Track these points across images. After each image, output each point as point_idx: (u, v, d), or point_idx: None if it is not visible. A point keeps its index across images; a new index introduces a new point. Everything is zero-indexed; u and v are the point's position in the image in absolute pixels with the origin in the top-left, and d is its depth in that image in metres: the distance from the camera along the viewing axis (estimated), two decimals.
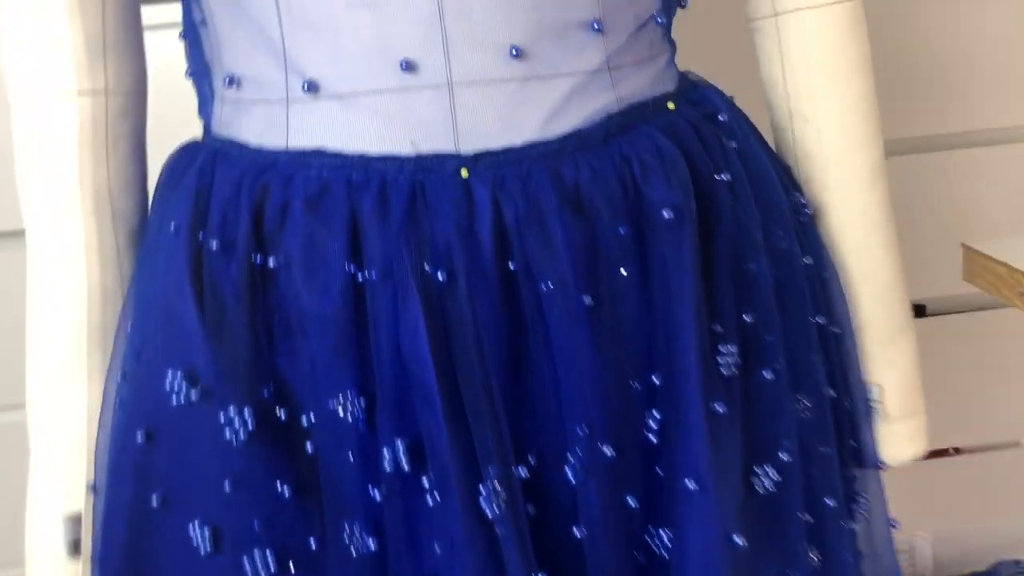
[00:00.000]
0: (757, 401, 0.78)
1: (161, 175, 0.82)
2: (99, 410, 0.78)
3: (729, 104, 0.84)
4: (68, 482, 0.79)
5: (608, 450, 0.71)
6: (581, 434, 0.71)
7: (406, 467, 0.70)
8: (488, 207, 0.71)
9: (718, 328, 0.75)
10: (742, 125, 0.83)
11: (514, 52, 0.71)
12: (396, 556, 0.71)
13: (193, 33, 0.81)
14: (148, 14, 0.84)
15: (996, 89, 1.48)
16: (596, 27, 0.73)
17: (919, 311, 1.48)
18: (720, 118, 0.81)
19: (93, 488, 0.77)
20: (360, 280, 0.71)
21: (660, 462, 0.74)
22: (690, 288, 0.73)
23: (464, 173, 0.71)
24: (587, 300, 0.71)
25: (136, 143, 0.83)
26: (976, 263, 1.06)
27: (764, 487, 0.77)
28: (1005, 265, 1.02)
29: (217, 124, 0.79)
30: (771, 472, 0.77)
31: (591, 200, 0.72)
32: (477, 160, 0.71)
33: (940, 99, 1.48)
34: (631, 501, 0.73)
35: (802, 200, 0.86)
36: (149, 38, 0.84)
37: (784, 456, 0.78)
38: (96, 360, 0.79)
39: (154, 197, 0.82)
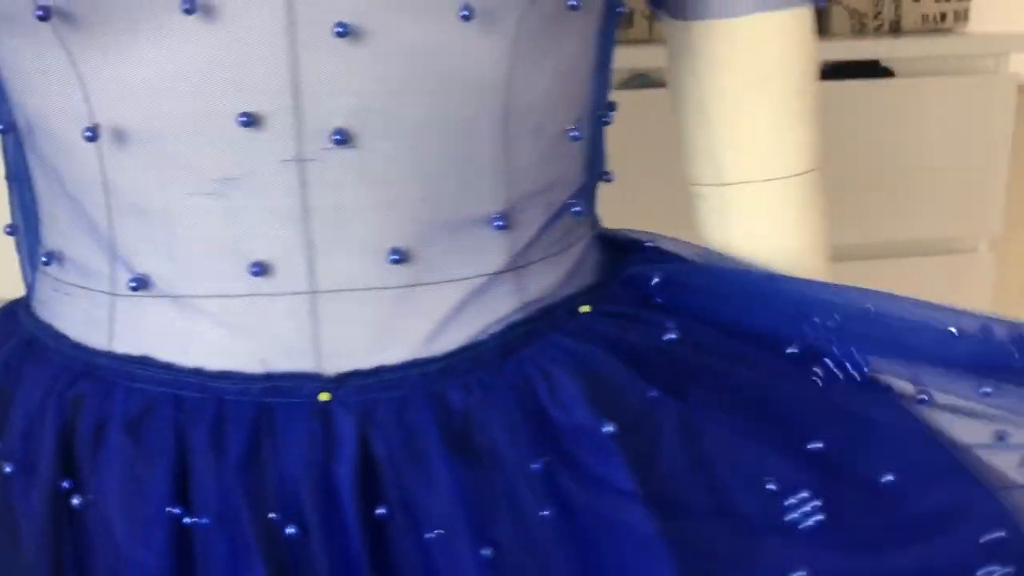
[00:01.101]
0: None
1: None
2: None
3: (677, 270, 0.69)
4: None
5: None
6: None
7: None
8: (352, 440, 0.58)
9: None
10: (693, 290, 0.68)
11: (395, 256, 0.58)
12: None
13: (18, 172, 0.66)
14: None
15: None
16: (499, 224, 0.60)
17: None
18: (657, 300, 0.67)
19: None
20: (187, 523, 0.57)
21: None
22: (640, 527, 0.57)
23: (324, 397, 0.58)
24: (486, 552, 0.57)
25: None
26: None
27: None
28: None
29: (37, 300, 0.65)
30: None
31: (485, 430, 0.59)
32: (341, 382, 0.58)
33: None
34: None
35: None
36: None
37: None
38: None
39: None
